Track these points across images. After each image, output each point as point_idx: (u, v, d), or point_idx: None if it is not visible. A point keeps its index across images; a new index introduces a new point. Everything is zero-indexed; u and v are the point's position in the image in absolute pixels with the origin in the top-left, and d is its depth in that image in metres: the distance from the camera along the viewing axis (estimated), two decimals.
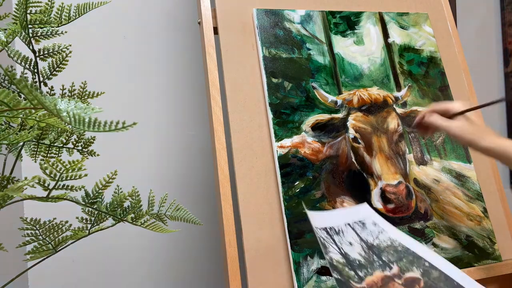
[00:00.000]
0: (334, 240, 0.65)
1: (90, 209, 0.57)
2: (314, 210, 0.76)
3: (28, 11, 0.54)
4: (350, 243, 0.66)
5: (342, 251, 0.64)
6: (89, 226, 0.58)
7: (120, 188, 0.61)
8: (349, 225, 0.69)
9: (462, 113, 0.74)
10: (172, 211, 0.64)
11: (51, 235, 0.57)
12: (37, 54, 0.58)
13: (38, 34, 0.57)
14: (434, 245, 0.83)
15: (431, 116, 0.77)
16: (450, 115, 0.75)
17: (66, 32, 0.61)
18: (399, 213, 0.83)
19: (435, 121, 0.76)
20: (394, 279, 0.61)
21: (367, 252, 0.64)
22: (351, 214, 0.73)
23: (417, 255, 0.65)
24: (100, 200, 0.57)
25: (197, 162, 1.13)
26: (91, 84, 0.69)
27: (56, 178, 0.48)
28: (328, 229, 0.67)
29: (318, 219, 0.68)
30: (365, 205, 0.78)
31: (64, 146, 0.64)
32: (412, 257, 0.65)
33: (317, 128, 0.83)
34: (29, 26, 0.56)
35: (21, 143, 0.59)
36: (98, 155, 0.67)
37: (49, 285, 0.99)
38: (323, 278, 0.74)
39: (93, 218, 0.58)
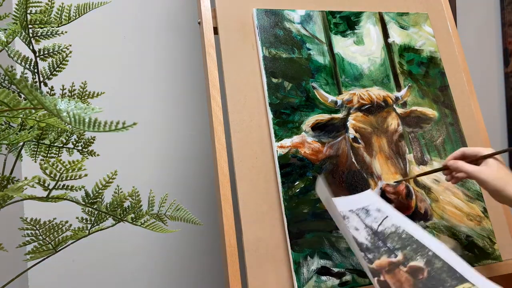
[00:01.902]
0: (344, 224, 0.67)
1: (90, 209, 0.57)
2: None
3: (28, 11, 0.54)
4: (356, 228, 0.67)
5: (351, 234, 0.65)
6: (89, 226, 0.58)
7: (120, 188, 0.61)
8: (353, 211, 0.70)
9: (489, 156, 0.73)
10: (172, 211, 0.64)
11: (51, 235, 0.57)
12: (37, 54, 0.58)
13: (38, 34, 0.57)
14: None
15: (456, 163, 0.75)
16: (477, 159, 0.74)
17: (66, 32, 0.61)
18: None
19: (461, 166, 0.74)
20: (399, 265, 0.62)
21: (373, 237, 0.66)
22: (355, 202, 0.74)
23: (421, 243, 0.66)
24: (100, 200, 0.57)
25: (197, 162, 1.13)
26: (91, 84, 0.69)
27: (56, 178, 0.48)
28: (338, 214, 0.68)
29: (334, 204, 0.69)
30: (368, 192, 0.79)
31: (64, 146, 0.64)
32: (416, 245, 0.66)
33: (317, 128, 0.83)
34: (29, 26, 0.56)
35: (21, 143, 0.59)
36: (98, 155, 0.67)
37: (49, 285, 0.99)
38: (323, 278, 0.74)
39: (93, 218, 0.58)
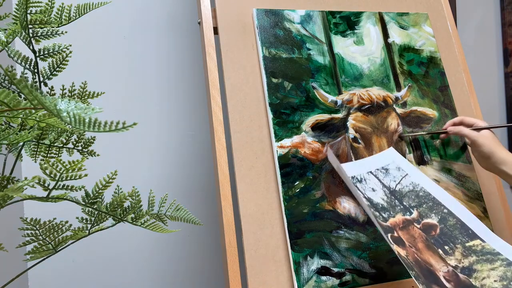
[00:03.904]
0: (357, 187, 0.70)
1: (90, 209, 0.57)
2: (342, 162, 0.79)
3: (28, 11, 0.54)
4: (373, 189, 0.70)
5: (366, 196, 0.68)
6: (89, 226, 0.58)
7: (120, 188, 0.61)
8: (371, 173, 0.73)
9: (484, 128, 0.82)
10: (172, 211, 0.64)
11: (51, 235, 0.57)
12: (37, 54, 0.58)
13: (38, 34, 0.57)
14: None
15: (456, 128, 0.86)
16: (473, 129, 0.83)
17: (66, 32, 0.61)
18: None
19: (461, 131, 0.84)
20: (413, 223, 0.66)
21: (389, 197, 0.69)
22: (374, 162, 0.76)
23: (437, 201, 0.69)
24: (100, 200, 0.57)
25: (197, 162, 1.13)
26: (91, 84, 0.69)
27: (56, 178, 0.48)
28: (351, 178, 0.71)
29: (344, 170, 0.71)
30: (390, 150, 0.81)
31: (64, 146, 0.64)
32: (432, 203, 0.69)
33: (317, 128, 0.83)
34: (29, 26, 0.56)
35: (21, 143, 0.59)
36: (98, 155, 0.67)
37: (49, 285, 0.99)
38: (323, 278, 0.74)
39: (93, 218, 0.58)
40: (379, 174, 0.72)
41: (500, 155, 0.78)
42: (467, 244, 0.64)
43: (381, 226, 0.64)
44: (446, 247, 0.64)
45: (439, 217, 0.66)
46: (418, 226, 0.65)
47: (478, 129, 0.82)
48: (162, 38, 1.12)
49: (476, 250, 0.64)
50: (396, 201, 0.68)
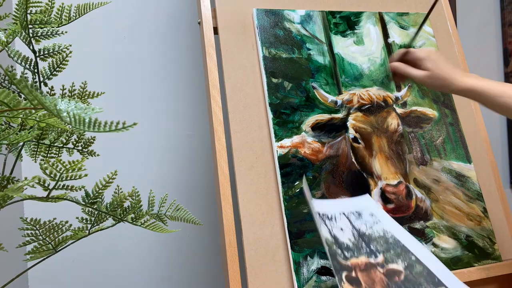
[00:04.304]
0: (325, 223, 0.68)
1: (90, 209, 0.57)
2: (315, 198, 0.79)
3: (28, 11, 0.54)
4: (341, 229, 0.68)
5: (332, 233, 0.67)
6: (89, 226, 0.58)
7: (120, 188, 0.61)
8: (343, 214, 0.71)
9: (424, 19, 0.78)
10: (172, 211, 0.64)
11: (51, 235, 0.57)
12: (37, 54, 0.58)
13: (38, 34, 0.57)
14: (434, 245, 0.83)
15: (398, 67, 0.78)
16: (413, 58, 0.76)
17: (66, 32, 0.61)
18: (399, 213, 0.83)
19: (403, 70, 0.77)
20: (376, 266, 0.64)
21: (357, 239, 0.67)
22: (349, 206, 0.75)
23: (406, 248, 0.67)
24: (100, 200, 0.57)
25: (197, 162, 1.13)
26: (91, 84, 0.69)
27: (56, 178, 0.48)
28: (321, 214, 0.70)
29: (315, 204, 0.71)
30: (366, 197, 0.80)
31: (64, 146, 0.64)
32: (400, 250, 0.67)
33: (317, 128, 0.83)
34: (29, 26, 0.56)
35: (21, 143, 0.59)
36: (98, 155, 0.67)
37: (49, 285, 0.99)
38: (323, 278, 0.74)
39: (93, 218, 0.58)
40: (351, 217, 0.71)
41: (455, 87, 0.71)
42: None
43: (338, 264, 0.62)
44: None
45: (406, 263, 0.64)
46: (382, 270, 0.63)
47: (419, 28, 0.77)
48: (162, 38, 1.12)
49: None
50: (363, 243, 0.67)
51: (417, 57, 0.75)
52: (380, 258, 0.65)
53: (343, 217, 0.70)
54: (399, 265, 0.64)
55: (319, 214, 0.69)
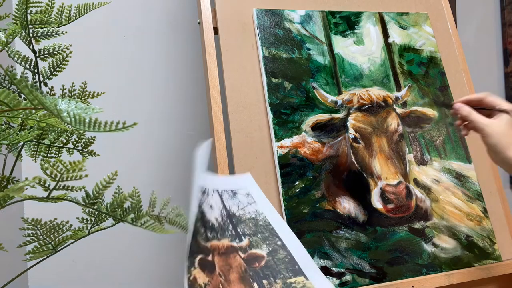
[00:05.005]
0: (198, 196, 0.63)
1: (91, 209, 0.57)
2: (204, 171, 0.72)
3: (29, 11, 0.54)
4: (211, 206, 0.65)
5: (201, 209, 0.63)
6: (89, 226, 0.58)
7: (121, 189, 0.61)
8: (217, 192, 0.67)
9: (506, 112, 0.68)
10: (173, 216, 0.64)
11: (51, 235, 0.57)
12: (37, 54, 0.58)
13: (39, 34, 0.57)
14: (434, 245, 0.83)
15: (463, 108, 0.71)
16: (493, 109, 0.69)
17: (66, 32, 0.61)
18: (399, 213, 0.83)
19: (468, 114, 0.70)
20: (238, 251, 0.61)
21: (224, 220, 0.64)
22: (226, 183, 0.71)
23: (275, 232, 0.65)
24: (100, 200, 0.57)
25: None
26: (91, 84, 0.69)
27: (57, 179, 0.48)
28: (198, 187, 0.65)
29: (199, 176, 0.65)
30: (247, 176, 0.76)
31: (64, 146, 0.64)
32: (269, 233, 0.65)
33: (317, 128, 0.83)
34: (30, 26, 0.56)
35: (21, 143, 0.59)
36: (98, 155, 0.67)
37: (49, 285, 0.99)
38: None
39: (93, 219, 0.58)
40: (224, 195, 0.67)
41: (509, 153, 0.64)
42: (288, 280, 0.60)
43: (196, 244, 0.58)
44: (265, 281, 0.59)
45: (270, 248, 0.62)
46: (243, 255, 0.60)
47: (500, 111, 0.67)
48: (162, 38, 1.12)
49: (296, 287, 0.60)
50: (230, 225, 0.63)
51: (495, 105, 0.69)
52: (245, 242, 0.62)
53: (215, 194, 0.66)
54: (262, 250, 0.62)
55: (198, 186, 0.64)
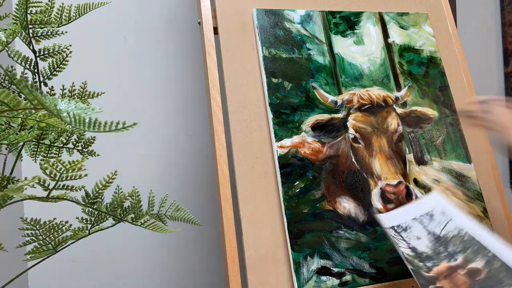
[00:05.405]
0: (402, 237, 0.69)
1: (90, 209, 0.57)
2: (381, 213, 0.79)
3: (29, 11, 0.54)
4: (418, 237, 0.69)
5: (410, 246, 0.67)
6: (89, 226, 0.58)
7: (120, 188, 0.61)
8: (416, 220, 0.72)
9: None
10: (172, 212, 0.64)
11: (51, 235, 0.57)
12: (37, 54, 0.58)
13: (39, 34, 0.57)
14: None
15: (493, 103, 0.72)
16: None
17: (66, 32, 0.61)
18: None
19: (493, 108, 0.72)
20: (457, 269, 0.64)
21: (434, 244, 0.68)
22: (418, 208, 0.75)
23: (482, 244, 0.67)
24: (100, 200, 0.57)
25: (197, 162, 1.13)
26: (91, 84, 0.69)
27: (56, 178, 0.48)
28: (396, 227, 0.70)
29: (385, 219, 0.72)
30: (434, 194, 0.79)
31: (64, 146, 0.64)
32: (477, 247, 0.67)
33: (317, 128, 0.83)
34: (30, 26, 0.56)
35: (21, 143, 0.59)
36: (98, 155, 0.67)
37: (49, 285, 0.99)
38: (323, 278, 0.74)
39: (93, 218, 0.58)
40: (423, 221, 0.72)
41: None
42: None
43: (423, 278, 0.63)
44: None
45: (484, 260, 0.65)
46: (463, 272, 0.64)
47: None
48: (162, 38, 1.12)
49: None
50: (441, 247, 0.67)
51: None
52: (460, 259, 0.66)
53: (416, 223, 0.71)
54: (478, 263, 0.65)
55: (394, 229, 0.69)
